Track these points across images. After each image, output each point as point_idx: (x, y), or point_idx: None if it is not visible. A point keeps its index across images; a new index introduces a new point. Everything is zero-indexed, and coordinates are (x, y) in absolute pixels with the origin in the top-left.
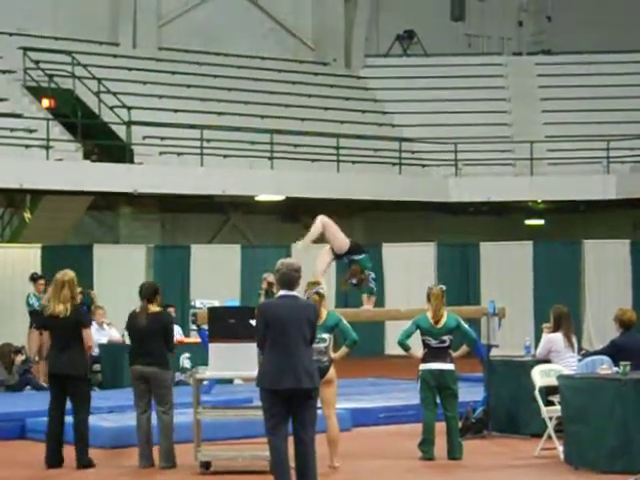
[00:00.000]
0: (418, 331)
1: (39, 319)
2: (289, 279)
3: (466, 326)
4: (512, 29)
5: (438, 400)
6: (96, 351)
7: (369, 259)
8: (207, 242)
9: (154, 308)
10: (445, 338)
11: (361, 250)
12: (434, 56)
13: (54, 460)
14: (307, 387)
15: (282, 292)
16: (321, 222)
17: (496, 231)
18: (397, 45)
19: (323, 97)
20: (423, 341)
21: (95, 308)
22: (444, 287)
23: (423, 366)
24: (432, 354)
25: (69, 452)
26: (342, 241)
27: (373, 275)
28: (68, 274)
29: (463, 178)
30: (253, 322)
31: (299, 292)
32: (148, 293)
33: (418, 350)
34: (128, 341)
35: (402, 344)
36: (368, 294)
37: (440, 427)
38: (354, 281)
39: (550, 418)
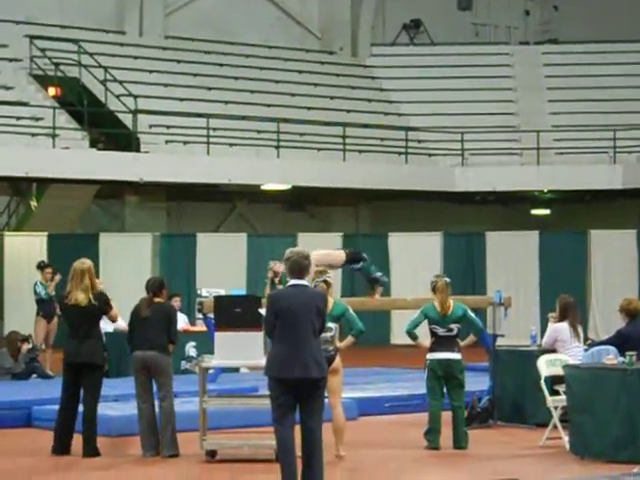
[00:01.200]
0: (425, 320)
1: (48, 309)
2: (299, 267)
3: (473, 315)
4: (519, 18)
5: (445, 389)
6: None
7: (369, 264)
8: (213, 231)
9: (158, 300)
10: (453, 327)
11: (359, 258)
12: (441, 45)
13: (62, 448)
14: (316, 376)
15: (292, 281)
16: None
17: (502, 221)
18: (404, 34)
19: (329, 86)
20: (431, 330)
21: None
22: (448, 279)
23: (430, 355)
24: (440, 343)
25: (75, 441)
26: (337, 257)
27: (379, 273)
28: (86, 262)
29: (469, 167)
30: (262, 311)
31: (307, 281)
32: (154, 287)
33: (425, 339)
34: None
35: (410, 333)
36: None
37: (446, 416)
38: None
39: (555, 408)
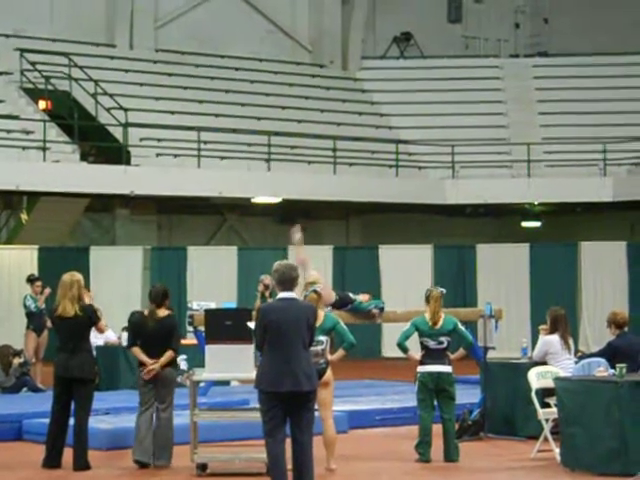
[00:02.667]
0: (416, 333)
1: (38, 322)
2: (288, 278)
3: (463, 328)
4: (509, 31)
5: (435, 402)
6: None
7: (359, 303)
8: (204, 244)
9: (162, 312)
10: (443, 339)
11: (346, 302)
12: (431, 58)
13: (52, 462)
14: (306, 389)
15: (281, 294)
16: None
17: (493, 233)
18: (394, 47)
19: (320, 99)
20: (421, 343)
21: None
22: (444, 290)
23: (421, 368)
24: (430, 356)
25: (66, 454)
26: (328, 295)
27: (372, 305)
28: (76, 275)
29: (460, 180)
30: (252, 324)
31: (297, 292)
32: (157, 298)
33: (416, 352)
34: (124, 343)
35: (401, 346)
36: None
37: (436, 429)
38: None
39: (546, 420)
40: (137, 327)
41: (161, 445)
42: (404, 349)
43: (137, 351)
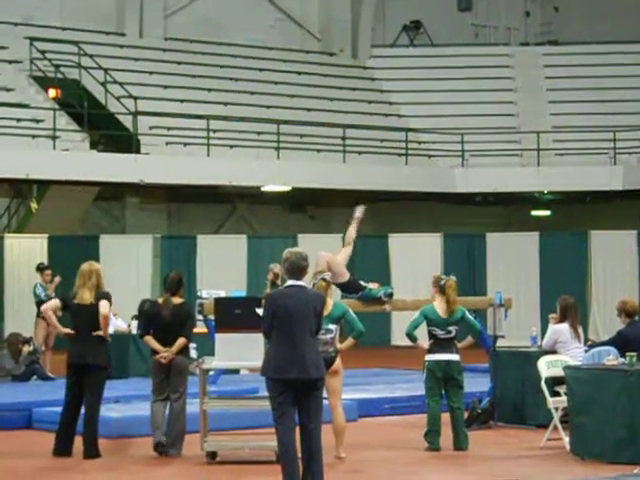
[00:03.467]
0: (424, 322)
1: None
2: (297, 267)
3: (471, 317)
4: (519, 19)
5: (443, 391)
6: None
7: (370, 290)
8: (213, 232)
9: (177, 300)
10: (451, 329)
11: (357, 288)
12: (441, 46)
13: (63, 450)
14: (313, 377)
15: (290, 282)
16: (325, 261)
17: (502, 222)
18: (404, 35)
19: (329, 87)
20: (430, 332)
21: None
22: (455, 278)
23: (429, 357)
24: (438, 345)
25: (76, 442)
26: (343, 272)
27: (381, 292)
28: (94, 265)
29: (469, 169)
30: (259, 311)
31: (306, 281)
32: (172, 286)
33: (424, 341)
34: (134, 331)
35: (410, 335)
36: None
37: (445, 417)
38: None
39: (556, 409)
40: (151, 316)
41: (173, 435)
42: (413, 338)
43: (150, 339)
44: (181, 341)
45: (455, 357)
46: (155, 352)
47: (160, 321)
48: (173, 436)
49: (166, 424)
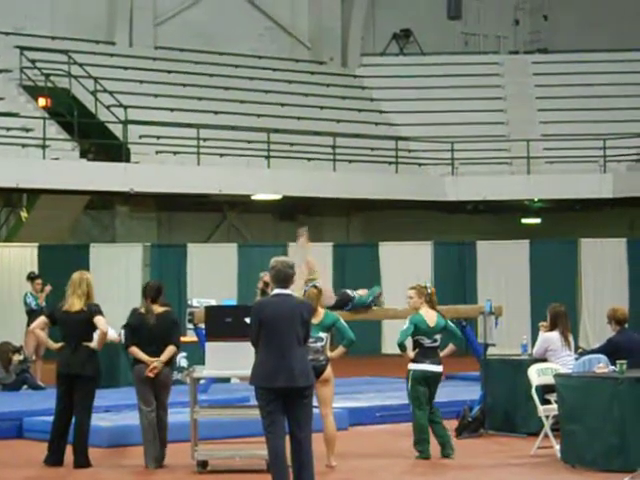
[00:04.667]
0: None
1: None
2: (284, 276)
3: (453, 325)
4: (508, 28)
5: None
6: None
7: (359, 297)
8: (204, 241)
9: (159, 308)
10: (437, 337)
11: (346, 301)
12: (430, 55)
13: (55, 459)
14: (301, 385)
15: (276, 290)
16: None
17: (492, 230)
18: (393, 44)
19: (319, 96)
20: (416, 340)
21: None
22: (429, 284)
23: (415, 366)
24: (424, 354)
25: (67, 451)
26: (328, 297)
27: (370, 298)
28: (85, 274)
29: (459, 177)
30: (248, 320)
31: (296, 288)
32: (152, 293)
33: (411, 351)
34: (124, 339)
35: (401, 346)
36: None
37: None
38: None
39: (547, 417)
40: (136, 326)
41: (161, 446)
42: (403, 349)
43: (135, 350)
44: (170, 349)
45: (439, 369)
46: (137, 362)
47: (145, 331)
48: (161, 447)
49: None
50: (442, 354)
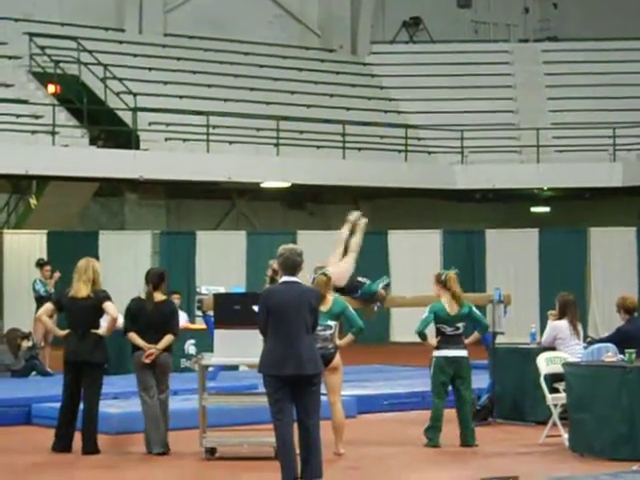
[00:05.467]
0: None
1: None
2: (292, 263)
3: (478, 313)
4: (518, 16)
5: (450, 387)
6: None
7: (369, 285)
8: (213, 228)
9: (160, 296)
10: (459, 325)
11: (355, 287)
12: (440, 43)
13: (63, 446)
14: (310, 373)
15: (284, 278)
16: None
17: (502, 218)
18: (403, 32)
19: (329, 84)
20: (438, 329)
21: None
22: (458, 271)
23: (438, 353)
24: (446, 341)
25: (75, 438)
26: (341, 273)
27: (380, 284)
28: (91, 260)
29: (469, 165)
30: (256, 308)
31: (305, 276)
32: (154, 279)
33: (433, 338)
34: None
35: (421, 334)
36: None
37: (449, 414)
38: (379, 305)
39: (555, 405)
40: (135, 312)
41: (163, 432)
42: (423, 337)
43: (133, 336)
44: (168, 337)
45: (463, 353)
46: (137, 349)
47: (144, 317)
48: (163, 433)
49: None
50: (467, 341)
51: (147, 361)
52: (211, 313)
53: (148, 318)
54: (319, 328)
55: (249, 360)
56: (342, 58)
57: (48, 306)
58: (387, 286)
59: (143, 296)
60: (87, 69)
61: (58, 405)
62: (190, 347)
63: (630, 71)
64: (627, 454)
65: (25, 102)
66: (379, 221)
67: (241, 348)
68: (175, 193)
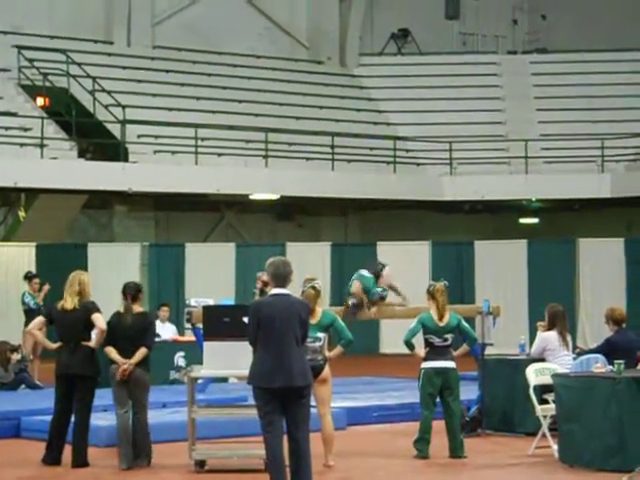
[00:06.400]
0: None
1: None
2: (282, 274)
3: (467, 325)
4: (507, 28)
5: (438, 399)
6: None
7: (373, 284)
8: (202, 240)
9: (138, 308)
10: (448, 337)
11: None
12: (429, 55)
13: (53, 459)
14: (299, 385)
15: (274, 290)
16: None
17: (490, 230)
18: (392, 44)
19: (318, 96)
20: (426, 340)
21: None
22: (447, 283)
23: (426, 364)
24: (435, 352)
25: (64, 450)
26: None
27: (378, 289)
28: (80, 273)
29: (457, 177)
30: (245, 319)
31: (294, 288)
32: (131, 291)
33: (421, 349)
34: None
35: (407, 343)
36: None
37: (436, 425)
38: (354, 301)
39: (544, 417)
40: (113, 325)
41: (140, 448)
42: (411, 347)
43: (110, 350)
44: (142, 350)
45: (452, 364)
46: (113, 362)
47: (122, 331)
48: (140, 447)
49: (131, 439)
50: (456, 353)
51: (120, 377)
52: (200, 325)
53: (125, 332)
54: (308, 340)
55: (238, 372)
56: (331, 70)
57: (39, 319)
58: (382, 299)
59: (121, 310)
60: (76, 82)
61: (48, 418)
62: (179, 359)
63: (618, 82)
64: (616, 465)
65: (14, 115)
66: (368, 233)
67: (230, 360)
68: (164, 205)
